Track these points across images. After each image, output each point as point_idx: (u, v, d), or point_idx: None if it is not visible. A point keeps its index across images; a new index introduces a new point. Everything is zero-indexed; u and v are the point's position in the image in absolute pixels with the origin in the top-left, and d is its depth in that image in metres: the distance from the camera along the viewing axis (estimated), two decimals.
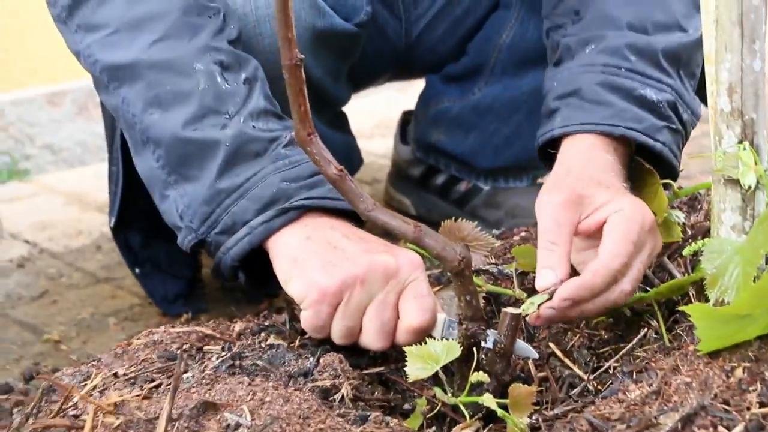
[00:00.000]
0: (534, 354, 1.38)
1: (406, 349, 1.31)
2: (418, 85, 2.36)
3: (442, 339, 1.36)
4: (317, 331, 1.42)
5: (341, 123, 2.19)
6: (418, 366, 1.30)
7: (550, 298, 1.33)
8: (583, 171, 1.46)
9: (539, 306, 1.33)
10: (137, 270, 2.02)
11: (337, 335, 1.42)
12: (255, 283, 1.58)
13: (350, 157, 2.14)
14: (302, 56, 1.23)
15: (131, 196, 1.89)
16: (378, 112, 3.20)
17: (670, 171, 1.54)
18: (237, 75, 1.54)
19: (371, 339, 1.41)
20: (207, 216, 1.51)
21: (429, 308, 1.39)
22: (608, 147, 1.51)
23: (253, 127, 1.51)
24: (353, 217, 1.49)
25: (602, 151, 1.50)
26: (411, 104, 2.39)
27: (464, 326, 1.33)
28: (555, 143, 1.57)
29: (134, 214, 1.94)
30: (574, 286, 1.33)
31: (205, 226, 1.52)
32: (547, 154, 1.59)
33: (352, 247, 1.43)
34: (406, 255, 1.42)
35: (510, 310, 1.32)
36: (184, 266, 2.00)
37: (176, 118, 1.52)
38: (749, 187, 1.26)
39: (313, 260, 1.42)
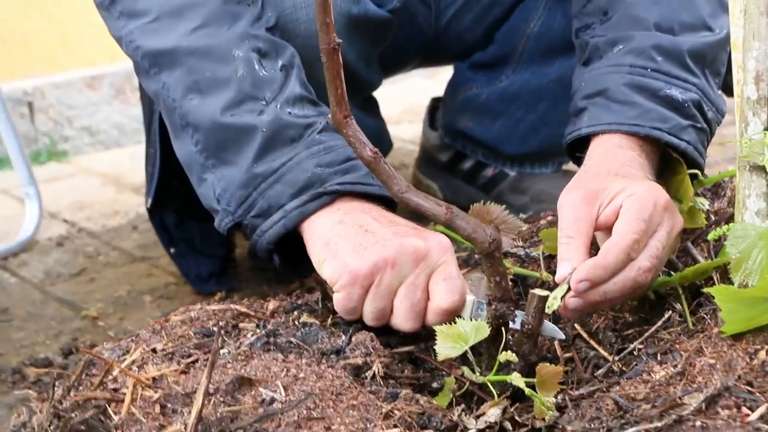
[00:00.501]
0: (561, 335, 1.41)
1: (436, 328, 1.34)
2: (446, 72, 2.38)
3: (470, 320, 1.39)
4: (349, 313, 1.45)
5: (372, 107, 2.22)
6: (447, 345, 1.33)
7: (570, 289, 1.36)
8: (603, 167, 1.50)
9: (563, 298, 1.35)
10: (172, 250, 2.06)
11: (369, 317, 1.45)
12: (289, 265, 1.61)
13: (380, 140, 2.17)
14: (339, 41, 1.26)
15: (167, 177, 1.92)
16: (406, 99, 3.22)
17: (695, 168, 1.56)
18: (274, 62, 1.57)
19: (402, 320, 1.44)
20: (243, 199, 1.55)
21: (458, 290, 1.42)
22: (634, 146, 1.54)
23: (289, 113, 1.54)
24: (385, 202, 1.52)
25: (627, 149, 1.53)
26: (439, 91, 2.41)
27: (493, 307, 1.36)
28: (583, 141, 1.60)
29: (170, 195, 1.98)
30: (586, 267, 1.36)
31: (241, 209, 1.55)
32: (575, 153, 1.62)
33: (383, 230, 1.46)
34: (436, 238, 1.45)
35: (537, 291, 1.35)
36: (217, 246, 2.04)
37: (215, 104, 1.55)
38: None
39: (345, 243, 1.45)
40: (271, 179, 1.53)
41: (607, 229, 1.42)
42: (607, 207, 1.42)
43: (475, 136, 2.24)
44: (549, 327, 1.39)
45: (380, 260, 1.42)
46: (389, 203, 1.52)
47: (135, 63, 1.64)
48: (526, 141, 2.18)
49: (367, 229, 1.46)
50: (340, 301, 1.45)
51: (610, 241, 1.38)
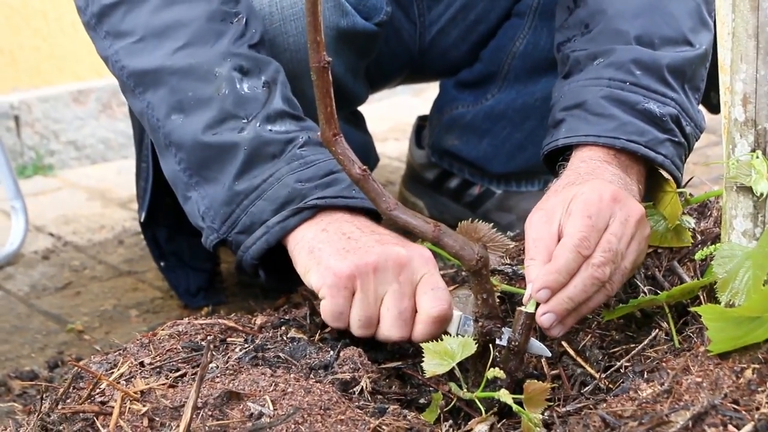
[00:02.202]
0: (547, 352, 1.41)
1: (423, 345, 1.35)
2: (432, 89, 2.39)
3: (457, 335, 1.40)
4: (336, 319, 1.45)
5: (359, 121, 2.23)
6: (434, 362, 1.33)
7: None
8: (566, 180, 1.51)
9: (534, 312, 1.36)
10: (162, 263, 2.06)
11: (356, 325, 1.45)
12: (276, 279, 1.62)
13: (366, 155, 2.18)
14: (329, 59, 1.27)
15: (158, 192, 1.93)
16: (393, 116, 3.24)
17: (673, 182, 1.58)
18: (257, 79, 1.58)
19: (389, 328, 1.44)
20: (227, 216, 1.56)
21: (446, 299, 1.43)
22: (610, 159, 1.55)
23: (270, 130, 1.56)
24: (368, 214, 1.53)
25: (603, 162, 1.54)
26: (425, 109, 2.42)
27: (480, 324, 1.36)
28: (561, 152, 1.61)
29: (161, 209, 1.98)
30: (541, 275, 1.37)
31: (225, 226, 1.57)
32: (553, 164, 1.63)
33: (366, 237, 1.47)
34: (418, 249, 1.46)
35: (524, 309, 1.36)
36: (205, 260, 2.04)
37: (197, 123, 1.57)
38: (761, 194, 1.29)
39: (328, 248, 1.46)
40: (253, 195, 1.55)
41: None
42: (564, 218, 1.43)
43: (462, 155, 2.25)
44: (536, 344, 1.40)
45: (362, 263, 1.43)
46: (372, 215, 1.53)
47: (121, 82, 1.65)
48: (512, 159, 2.19)
49: (350, 236, 1.47)
50: (326, 306, 1.45)
51: (559, 245, 1.39)
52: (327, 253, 1.46)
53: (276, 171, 1.55)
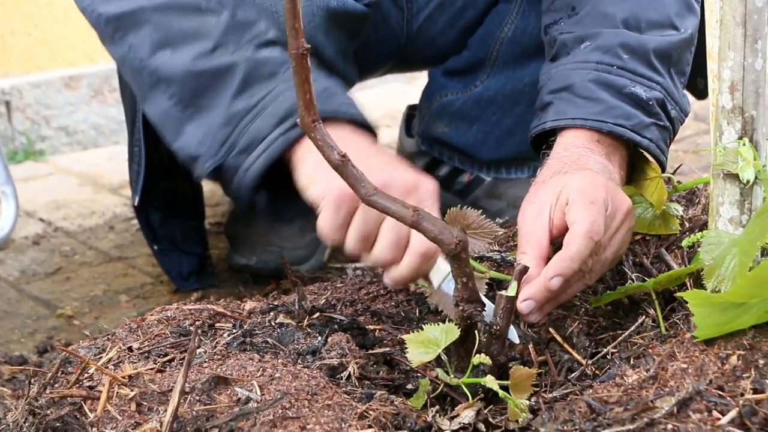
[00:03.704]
0: (516, 339, 1.42)
1: (405, 337, 1.35)
2: (424, 77, 2.39)
3: (438, 288, 1.40)
4: (333, 232, 1.43)
5: None
6: (419, 351, 1.33)
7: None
8: (551, 170, 1.52)
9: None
10: (156, 247, 2.06)
11: (352, 241, 1.43)
12: (274, 205, 1.59)
13: None
14: (308, 46, 1.26)
15: (152, 175, 1.93)
16: (384, 104, 3.24)
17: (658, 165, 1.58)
18: (247, 10, 1.57)
19: (383, 250, 1.42)
20: (225, 139, 1.54)
21: None
22: (596, 142, 1.55)
23: (264, 53, 1.55)
24: (370, 132, 1.52)
25: (588, 146, 1.54)
26: (416, 96, 2.43)
27: (461, 308, 1.36)
28: (549, 135, 1.62)
29: (155, 192, 1.98)
30: (555, 261, 1.38)
31: (224, 149, 1.54)
32: (541, 147, 1.64)
33: (374, 158, 1.45)
34: (425, 177, 1.46)
35: (505, 293, 1.36)
36: (196, 244, 2.04)
37: (187, 54, 1.55)
38: (748, 181, 1.30)
39: None
40: (251, 114, 1.53)
41: (564, 230, 1.44)
42: (555, 210, 1.44)
43: (452, 142, 2.25)
44: (509, 331, 1.40)
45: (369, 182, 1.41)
46: (374, 134, 1.52)
47: (99, 33, 1.64)
48: (502, 145, 2.19)
49: (358, 153, 1.44)
50: (325, 219, 1.43)
51: (570, 232, 1.40)
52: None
53: (274, 89, 1.53)
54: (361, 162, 1.40)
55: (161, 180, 1.85)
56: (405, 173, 1.43)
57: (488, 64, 2.15)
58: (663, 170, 1.57)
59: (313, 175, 1.45)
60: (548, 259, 1.41)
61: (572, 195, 1.42)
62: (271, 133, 1.50)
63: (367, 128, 1.52)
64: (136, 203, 2.00)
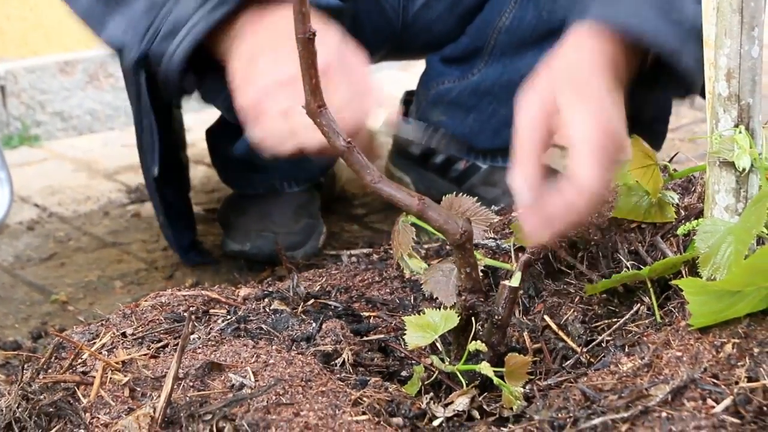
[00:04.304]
0: (420, 138, 1.42)
1: (405, 319, 1.35)
2: (420, 64, 2.39)
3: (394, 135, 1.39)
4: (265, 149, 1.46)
5: None
6: (417, 335, 1.33)
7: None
8: (566, 72, 1.47)
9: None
10: (162, 218, 2.06)
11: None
12: (205, 90, 1.60)
13: None
14: (315, 30, 1.26)
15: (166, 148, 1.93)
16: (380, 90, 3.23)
17: (691, 89, 1.54)
18: None
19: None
20: (148, 26, 1.53)
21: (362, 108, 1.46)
22: (609, 48, 1.48)
23: None
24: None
25: (607, 51, 1.48)
26: (413, 83, 2.42)
27: (463, 297, 1.36)
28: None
29: (169, 166, 1.98)
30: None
31: (147, 37, 1.53)
32: None
33: (281, 51, 1.45)
34: (327, 36, 1.47)
35: (508, 283, 1.36)
36: (190, 217, 2.05)
37: None
38: (744, 169, 1.29)
39: (243, 71, 1.46)
40: (172, 1, 1.52)
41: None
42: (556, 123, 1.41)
43: (448, 131, 2.24)
44: (407, 127, 1.38)
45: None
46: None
47: None
48: (498, 135, 2.18)
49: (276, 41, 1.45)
50: (256, 135, 1.47)
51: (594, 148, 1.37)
52: (252, 72, 1.45)
53: None
54: (271, 54, 1.44)
55: (173, 150, 1.84)
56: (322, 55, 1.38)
57: (485, 52, 2.14)
58: (700, 93, 1.51)
59: (241, 78, 1.47)
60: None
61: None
62: (193, 16, 1.49)
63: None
64: (156, 174, 1.97)
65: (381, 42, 2.16)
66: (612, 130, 1.39)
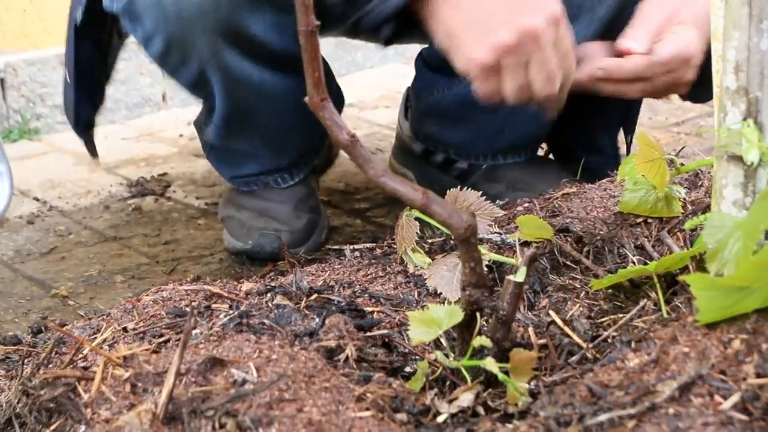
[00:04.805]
0: None
1: (409, 314, 1.34)
2: None
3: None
4: (491, 99, 1.62)
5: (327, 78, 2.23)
6: (421, 330, 1.32)
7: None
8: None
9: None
10: (71, 78, 2.13)
11: (512, 96, 1.61)
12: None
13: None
14: (318, 23, 1.25)
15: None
16: (383, 84, 3.22)
17: None
18: None
19: (540, 89, 1.61)
20: None
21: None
22: None
23: None
24: None
25: None
26: None
27: (468, 293, 1.35)
28: None
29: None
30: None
31: None
32: None
33: (502, 11, 1.58)
34: (545, 11, 1.59)
35: (513, 278, 1.34)
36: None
37: None
38: (752, 163, 1.28)
39: (465, 33, 1.58)
40: None
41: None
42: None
43: (444, 140, 2.24)
44: None
45: (504, 46, 1.55)
46: None
47: None
48: (493, 142, 2.18)
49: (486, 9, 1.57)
50: (478, 90, 1.60)
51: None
52: (465, 39, 1.56)
53: None
54: (490, 18, 1.56)
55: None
56: (530, 21, 1.57)
57: None
58: None
59: (449, 47, 1.61)
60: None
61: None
62: None
63: None
64: (78, 20, 2.04)
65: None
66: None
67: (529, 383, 1.30)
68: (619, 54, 1.77)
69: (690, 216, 1.51)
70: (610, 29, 1.92)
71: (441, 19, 1.54)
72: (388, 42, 1.81)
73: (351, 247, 1.78)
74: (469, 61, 1.54)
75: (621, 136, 2.24)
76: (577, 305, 1.48)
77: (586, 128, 2.18)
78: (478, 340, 1.30)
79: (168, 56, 1.91)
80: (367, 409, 1.24)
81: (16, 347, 1.75)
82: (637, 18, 1.77)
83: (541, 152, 2.31)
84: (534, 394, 1.29)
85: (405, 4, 1.58)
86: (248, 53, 1.86)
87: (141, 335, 1.38)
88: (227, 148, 2.11)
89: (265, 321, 1.40)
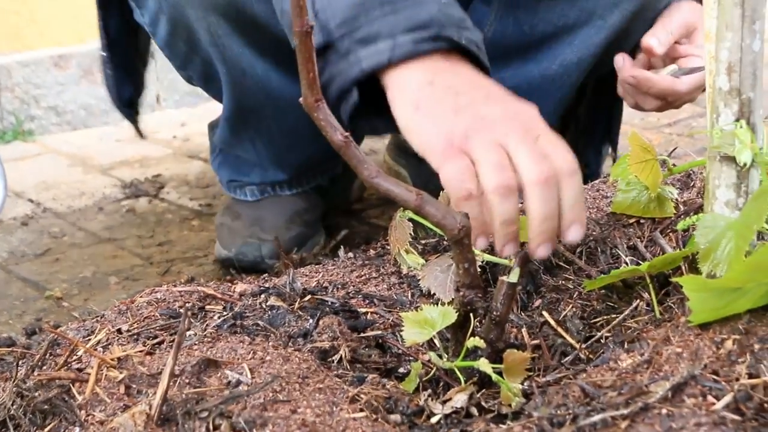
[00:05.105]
0: None
1: (402, 315, 1.34)
2: None
3: None
4: (466, 194, 1.36)
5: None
6: (414, 331, 1.32)
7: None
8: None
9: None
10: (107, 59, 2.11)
11: (491, 184, 1.34)
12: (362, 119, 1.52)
13: None
14: (312, 23, 1.25)
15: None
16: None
17: None
18: None
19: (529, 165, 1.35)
20: (349, 19, 1.43)
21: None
22: None
23: None
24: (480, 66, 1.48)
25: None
26: None
27: (461, 294, 1.36)
28: None
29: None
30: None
31: (342, 29, 1.43)
32: None
33: (474, 93, 1.41)
34: (526, 104, 1.42)
35: (506, 278, 1.35)
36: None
37: None
38: (744, 164, 1.29)
39: (434, 110, 1.40)
40: (388, 8, 1.42)
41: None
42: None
43: None
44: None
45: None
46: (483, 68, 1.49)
47: None
48: None
49: (458, 91, 1.40)
50: (449, 180, 1.37)
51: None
52: (434, 115, 1.39)
53: None
54: (464, 96, 1.39)
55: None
56: (504, 105, 1.41)
57: None
58: None
59: (411, 123, 1.41)
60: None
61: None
62: (400, 37, 1.40)
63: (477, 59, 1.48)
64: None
65: None
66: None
67: (522, 384, 1.30)
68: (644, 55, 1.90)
69: (682, 216, 1.51)
70: (622, 37, 1.92)
71: (410, 92, 1.38)
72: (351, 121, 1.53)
73: (345, 247, 1.79)
74: (434, 140, 1.42)
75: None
76: (570, 306, 1.48)
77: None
78: (472, 341, 1.30)
79: (174, 41, 1.89)
80: (361, 410, 1.24)
81: (10, 349, 1.75)
82: (663, 18, 1.90)
83: None
84: (527, 395, 1.29)
85: (383, 63, 1.41)
86: (250, 38, 1.83)
87: (135, 337, 1.38)
88: (231, 152, 2.11)
89: (259, 322, 1.40)
